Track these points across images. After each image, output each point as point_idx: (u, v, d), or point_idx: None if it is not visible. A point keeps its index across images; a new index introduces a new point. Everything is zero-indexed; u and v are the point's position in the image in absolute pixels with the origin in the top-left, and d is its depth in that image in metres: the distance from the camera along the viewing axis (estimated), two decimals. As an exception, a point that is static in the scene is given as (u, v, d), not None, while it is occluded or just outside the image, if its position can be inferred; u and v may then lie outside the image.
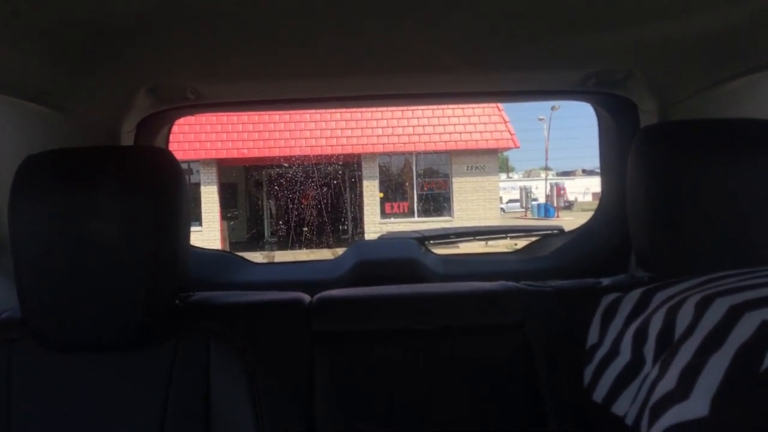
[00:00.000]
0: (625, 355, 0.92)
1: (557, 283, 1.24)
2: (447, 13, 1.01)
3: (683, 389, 0.72)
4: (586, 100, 1.61)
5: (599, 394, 0.97)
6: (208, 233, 11.76)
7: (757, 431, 0.63)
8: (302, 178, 12.11)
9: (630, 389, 0.89)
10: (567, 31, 1.12)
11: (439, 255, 1.74)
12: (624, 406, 0.90)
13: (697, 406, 0.69)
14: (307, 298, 1.21)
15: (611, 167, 1.64)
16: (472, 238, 2.05)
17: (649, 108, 1.44)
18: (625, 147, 1.51)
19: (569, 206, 20.81)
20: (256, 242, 12.93)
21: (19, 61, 1.02)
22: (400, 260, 1.62)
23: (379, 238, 1.92)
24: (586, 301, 1.10)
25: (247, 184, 13.89)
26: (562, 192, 19.72)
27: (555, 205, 18.51)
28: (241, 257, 1.77)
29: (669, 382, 0.75)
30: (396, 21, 1.04)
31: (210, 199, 12.25)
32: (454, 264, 1.70)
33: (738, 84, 1.23)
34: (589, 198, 22.33)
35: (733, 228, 0.99)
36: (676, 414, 0.72)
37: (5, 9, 0.87)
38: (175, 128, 1.71)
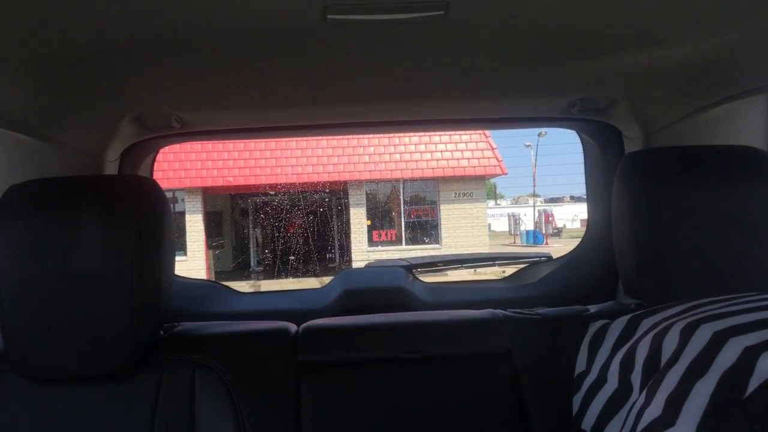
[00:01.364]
0: (612, 382, 0.92)
1: (545, 311, 1.23)
2: (433, 42, 1.01)
3: (670, 416, 0.71)
4: (571, 127, 1.62)
5: (588, 422, 0.96)
6: (193, 263, 11.66)
7: None
8: (288, 206, 12.08)
9: (618, 417, 0.88)
10: (552, 60, 1.13)
11: (427, 283, 1.73)
12: None
13: None
14: (293, 327, 1.20)
15: (597, 194, 1.64)
16: (460, 265, 2.04)
17: (633, 135, 1.45)
18: (610, 173, 1.52)
19: (558, 233, 20.89)
20: (242, 271, 12.83)
21: (2, 89, 1.01)
22: (387, 289, 1.61)
23: (366, 266, 1.91)
24: (573, 328, 1.09)
25: (232, 212, 13.84)
26: (550, 219, 19.80)
27: (543, 231, 18.59)
28: (227, 287, 1.75)
29: (656, 409, 0.74)
30: (381, 51, 1.05)
31: (195, 228, 12.18)
32: (441, 292, 1.69)
33: (720, 110, 1.24)
34: (577, 225, 22.44)
35: (718, 253, 1.00)
36: None
37: None
38: (159, 156, 1.70)
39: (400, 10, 0.86)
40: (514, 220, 20.51)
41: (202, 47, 0.99)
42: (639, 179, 1.05)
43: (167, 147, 1.69)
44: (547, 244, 17.39)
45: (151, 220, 0.98)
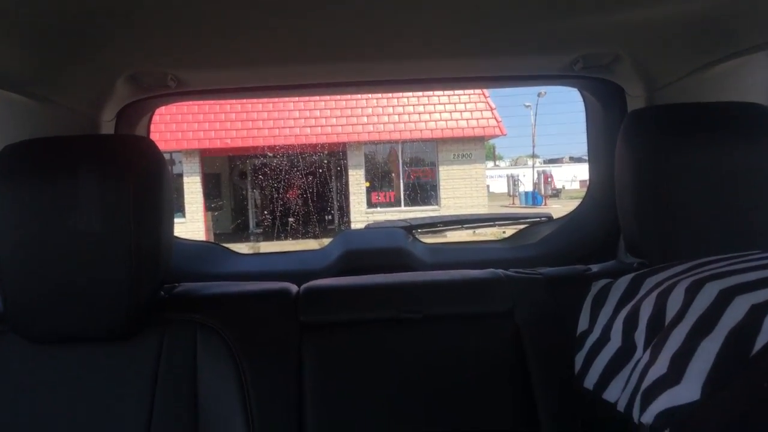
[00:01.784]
0: (615, 341, 0.92)
1: (547, 270, 1.23)
2: None
3: (675, 374, 0.72)
4: (573, 85, 1.60)
5: (590, 380, 0.97)
6: (191, 224, 11.68)
7: (748, 415, 0.63)
8: (287, 168, 12.03)
9: (621, 375, 0.89)
10: (554, 15, 1.11)
11: (427, 244, 1.73)
12: (615, 392, 0.89)
13: (689, 390, 0.69)
14: (294, 288, 1.20)
15: (599, 153, 1.63)
16: (459, 226, 2.04)
17: (636, 92, 1.43)
18: (612, 132, 1.50)
19: (557, 194, 20.88)
20: (241, 233, 12.86)
21: None
22: (388, 249, 1.61)
23: (366, 227, 1.91)
24: (575, 287, 1.09)
25: (231, 174, 13.80)
26: (549, 180, 19.79)
27: (542, 192, 18.59)
28: (227, 248, 1.75)
29: (660, 367, 0.75)
30: (380, 5, 1.02)
31: (193, 189, 12.16)
32: (441, 253, 1.69)
33: (725, 68, 1.23)
34: (576, 185, 22.42)
35: (722, 212, 0.99)
36: (668, 398, 0.71)
37: None
38: (156, 118, 1.68)
39: None
40: (513, 181, 20.51)
41: (198, 3, 0.96)
42: (643, 136, 1.04)
43: (164, 108, 1.67)
44: (546, 205, 17.41)
45: (149, 180, 0.97)
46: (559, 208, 13.12)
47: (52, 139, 1.00)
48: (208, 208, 12.68)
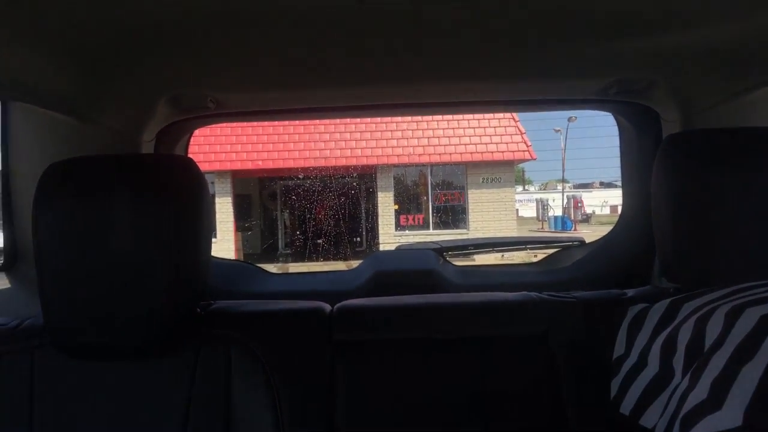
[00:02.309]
0: (653, 366, 0.91)
1: (581, 294, 1.22)
2: (466, 20, 1.00)
3: (715, 400, 0.71)
4: (607, 110, 1.60)
5: (627, 406, 0.95)
6: (222, 244, 11.80)
7: None
8: (316, 190, 12.12)
9: (659, 401, 0.88)
10: (589, 39, 1.11)
11: (458, 266, 1.73)
12: (653, 418, 0.88)
13: (729, 416, 0.68)
14: (327, 307, 1.21)
15: (633, 177, 1.62)
16: (490, 249, 2.03)
17: (671, 117, 1.42)
18: (646, 157, 1.50)
19: (587, 219, 20.65)
20: (270, 254, 12.95)
21: (42, 69, 1.03)
22: (419, 271, 1.61)
23: (397, 248, 1.91)
24: (611, 312, 1.08)
25: (261, 195, 13.94)
26: (579, 204, 19.57)
27: (572, 217, 18.39)
28: (259, 267, 1.77)
29: (700, 393, 0.74)
30: (414, 30, 1.04)
31: (224, 210, 12.31)
32: (472, 275, 1.68)
33: (761, 94, 1.22)
34: (606, 211, 22.14)
35: (759, 237, 0.98)
36: (708, 425, 0.70)
37: (28, 17, 0.87)
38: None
39: None
40: (543, 205, 20.33)
41: (238, 28, 0.99)
42: (680, 161, 1.03)
43: (198, 130, 1.70)
44: (575, 230, 17.21)
45: (190, 199, 0.99)
46: (589, 233, 12.95)
47: (94, 158, 1.02)
48: (238, 228, 12.81)
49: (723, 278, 0.93)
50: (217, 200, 12.25)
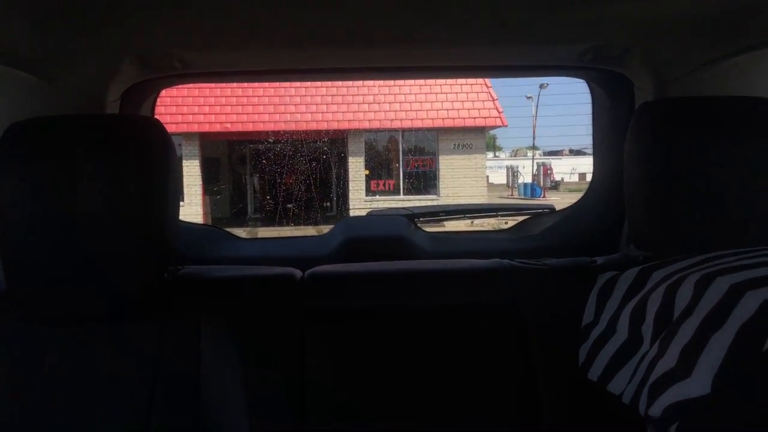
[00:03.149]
0: (622, 333, 0.92)
1: (552, 262, 1.23)
2: None
3: (684, 368, 0.72)
4: (581, 77, 1.60)
5: (595, 372, 0.97)
6: (189, 208, 11.65)
7: (760, 410, 0.63)
8: (287, 154, 11.99)
9: (627, 367, 0.89)
10: (565, 5, 1.10)
11: (429, 232, 1.73)
12: (620, 385, 0.89)
13: (699, 384, 0.69)
14: (298, 273, 1.20)
15: (604, 145, 1.63)
16: (462, 215, 2.04)
17: (645, 85, 1.42)
18: (619, 125, 1.50)
19: (556, 186, 20.86)
20: (239, 218, 12.84)
21: (2, 26, 0.98)
22: (390, 237, 1.61)
23: (369, 214, 1.90)
24: (581, 279, 1.09)
25: (230, 158, 13.76)
26: (548, 172, 19.73)
27: (542, 185, 18.56)
28: (228, 232, 1.75)
29: (669, 360, 0.75)
30: None
31: (192, 173, 12.12)
32: (443, 242, 1.69)
33: (735, 62, 1.22)
34: (575, 178, 22.39)
35: (732, 206, 0.99)
36: (677, 392, 0.71)
37: None
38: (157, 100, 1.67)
39: None
40: (513, 172, 20.47)
41: None
42: (653, 129, 1.04)
43: (164, 91, 1.66)
44: (544, 197, 17.38)
45: (156, 161, 0.96)
46: (558, 200, 13.11)
47: (58, 118, 0.99)
48: (207, 192, 12.65)
49: (693, 247, 0.95)
50: (185, 163, 12.04)
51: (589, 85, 1.64)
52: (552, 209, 1.86)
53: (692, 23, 1.15)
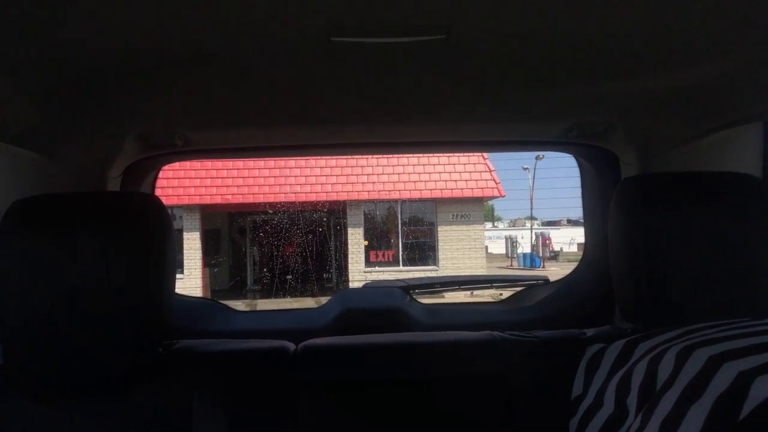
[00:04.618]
0: (608, 406, 0.92)
1: (542, 334, 1.24)
2: (433, 66, 1.03)
3: None
4: (569, 151, 1.64)
5: None
6: (189, 281, 11.61)
7: None
8: (286, 226, 12.06)
9: None
10: (551, 85, 1.15)
11: (424, 304, 1.74)
12: None
13: None
14: (291, 346, 1.20)
15: (594, 217, 1.66)
16: (457, 287, 2.04)
17: (629, 160, 1.47)
18: (606, 197, 1.53)
19: (555, 256, 20.88)
20: (238, 290, 12.77)
21: (6, 103, 1.03)
22: (386, 309, 1.61)
23: (364, 286, 1.91)
24: (570, 351, 1.10)
25: (230, 230, 13.80)
26: (547, 242, 19.79)
27: (540, 254, 18.57)
28: (225, 305, 1.75)
29: None
30: (382, 73, 1.06)
31: (192, 245, 12.15)
32: (439, 313, 1.69)
33: (716, 137, 1.26)
34: (574, 248, 22.40)
35: (713, 280, 1.00)
36: None
37: None
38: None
39: (403, 33, 0.88)
40: (511, 242, 20.53)
41: (206, 67, 1.00)
42: (635, 204, 1.06)
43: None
44: (544, 267, 17.36)
45: (154, 237, 0.99)
46: (557, 270, 13.07)
47: (60, 195, 1.02)
48: (206, 264, 12.63)
49: (680, 319, 0.96)
50: (186, 235, 12.08)
51: (577, 159, 1.68)
52: (546, 280, 1.87)
53: (672, 101, 1.20)
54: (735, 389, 0.67)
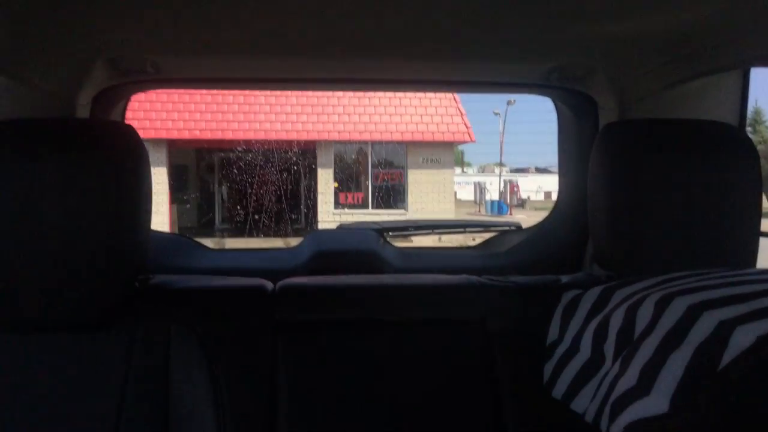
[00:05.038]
0: (585, 352, 0.94)
1: (518, 279, 1.25)
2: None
3: (644, 386, 0.73)
4: (547, 95, 1.63)
5: (559, 390, 0.98)
6: (155, 217, 11.41)
7: (716, 427, 0.65)
8: (256, 164, 11.93)
9: (590, 386, 0.90)
10: (531, 24, 1.13)
11: (398, 247, 1.74)
12: (584, 403, 0.91)
13: (657, 402, 0.70)
14: (270, 285, 1.19)
15: (570, 165, 1.66)
16: (431, 230, 2.05)
17: (608, 105, 1.46)
18: (584, 144, 1.54)
19: (522, 204, 21.11)
20: (207, 228, 12.68)
21: None
22: (360, 251, 1.61)
23: (338, 228, 1.91)
24: (546, 297, 1.11)
25: (198, 167, 13.61)
26: (515, 189, 19.97)
27: (508, 202, 18.75)
28: (197, 242, 1.73)
29: (629, 379, 0.76)
30: (361, 5, 1.03)
31: (159, 180, 11.93)
32: (412, 257, 1.70)
33: (697, 85, 1.27)
34: (541, 196, 22.69)
35: (692, 227, 1.02)
36: (636, 410, 0.73)
37: None
38: (124, 105, 1.65)
39: None
40: (480, 189, 20.66)
41: None
42: (616, 150, 1.06)
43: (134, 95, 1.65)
44: (511, 214, 17.55)
45: (129, 167, 0.95)
46: (524, 218, 13.27)
47: (26, 122, 0.97)
48: (174, 200, 12.48)
49: (655, 267, 0.97)
50: (152, 170, 11.85)
51: (555, 104, 1.67)
52: (519, 227, 1.89)
53: (654, 45, 1.19)
54: (715, 338, 0.69)
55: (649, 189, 1.02)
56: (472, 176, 25.68)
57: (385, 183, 13.16)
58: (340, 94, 11.57)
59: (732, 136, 1.09)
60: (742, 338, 0.66)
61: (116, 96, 1.50)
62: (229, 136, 11.79)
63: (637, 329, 0.82)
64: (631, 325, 0.83)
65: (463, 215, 15.97)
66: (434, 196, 12.84)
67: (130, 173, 0.95)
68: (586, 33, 1.18)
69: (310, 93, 11.42)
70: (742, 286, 0.78)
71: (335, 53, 1.32)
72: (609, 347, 0.87)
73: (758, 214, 1.05)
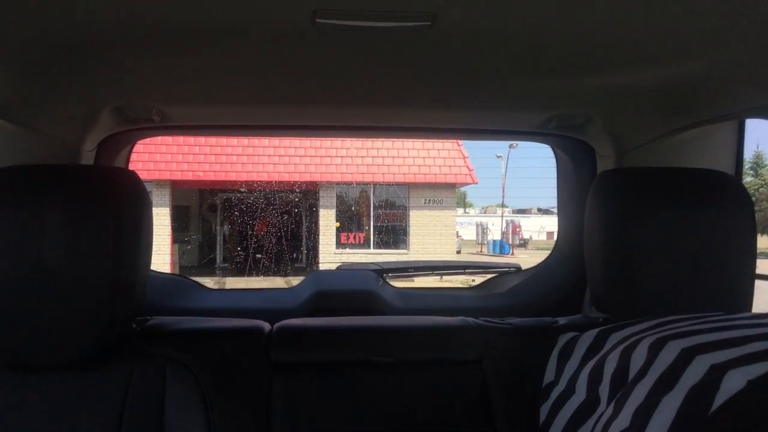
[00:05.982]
0: (580, 394, 0.94)
1: (515, 321, 1.25)
2: (417, 52, 1.03)
3: (636, 429, 0.74)
4: (546, 142, 1.66)
5: (555, 431, 0.98)
6: (157, 257, 11.40)
7: None
8: (258, 205, 11.97)
9: (584, 427, 0.90)
10: (532, 75, 1.16)
11: (397, 288, 1.75)
12: None
13: None
14: (267, 326, 1.20)
15: (568, 208, 1.68)
16: (430, 272, 2.06)
17: (606, 153, 1.49)
18: (582, 189, 1.55)
19: (524, 244, 21.09)
20: (208, 268, 12.66)
21: None
22: (359, 292, 1.61)
23: (338, 268, 1.91)
24: (543, 339, 1.12)
25: (201, 207, 13.66)
26: (517, 229, 19.98)
27: (510, 242, 18.73)
28: (197, 282, 1.74)
29: (623, 421, 0.77)
30: (365, 57, 1.06)
31: (162, 222, 11.97)
32: (411, 298, 1.70)
33: (692, 134, 1.28)
34: (543, 237, 22.68)
35: (685, 273, 1.03)
36: None
37: None
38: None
39: (388, 18, 0.88)
40: (482, 229, 20.66)
41: (187, 42, 0.98)
42: (611, 198, 1.08)
43: None
44: (513, 254, 17.53)
45: (130, 213, 0.97)
46: (526, 258, 13.23)
47: (34, 167, 1.00)
48: (176, 240, 12.48)
49: (650, 311, 0.98)
50: (155, 211, 11.84)
51: (553, 150, 1.70)
52: (518, 268, 1.90)
53: (651, 95, 1.21)
54: (707, 382, 0.69)
55: (642, 235, 1.03)
56: (475, 217, 25.67)
57: (386, 223, 13.16)
58: (345, 138, 11.66)
59: (726, 185, 1.10)
60: (734, 382, 0.67)
61: (121, 142, 1.52)
62: (232, 177, 11.85)
63: (631, 372, 0.82)
64: (625, 367, 0.84)
65: (465, 255, 15.93)
66: (436, 237, 12.83)
67: (131, 219, 0.97)
68: (584, 85, 1.20)
69: (316, 137, 11.49)
70: (734, 330, 0.79)
71: (339, 102, 1.35)
72: (604, 389, 0.87)
73: (753, 260, 1.06)
